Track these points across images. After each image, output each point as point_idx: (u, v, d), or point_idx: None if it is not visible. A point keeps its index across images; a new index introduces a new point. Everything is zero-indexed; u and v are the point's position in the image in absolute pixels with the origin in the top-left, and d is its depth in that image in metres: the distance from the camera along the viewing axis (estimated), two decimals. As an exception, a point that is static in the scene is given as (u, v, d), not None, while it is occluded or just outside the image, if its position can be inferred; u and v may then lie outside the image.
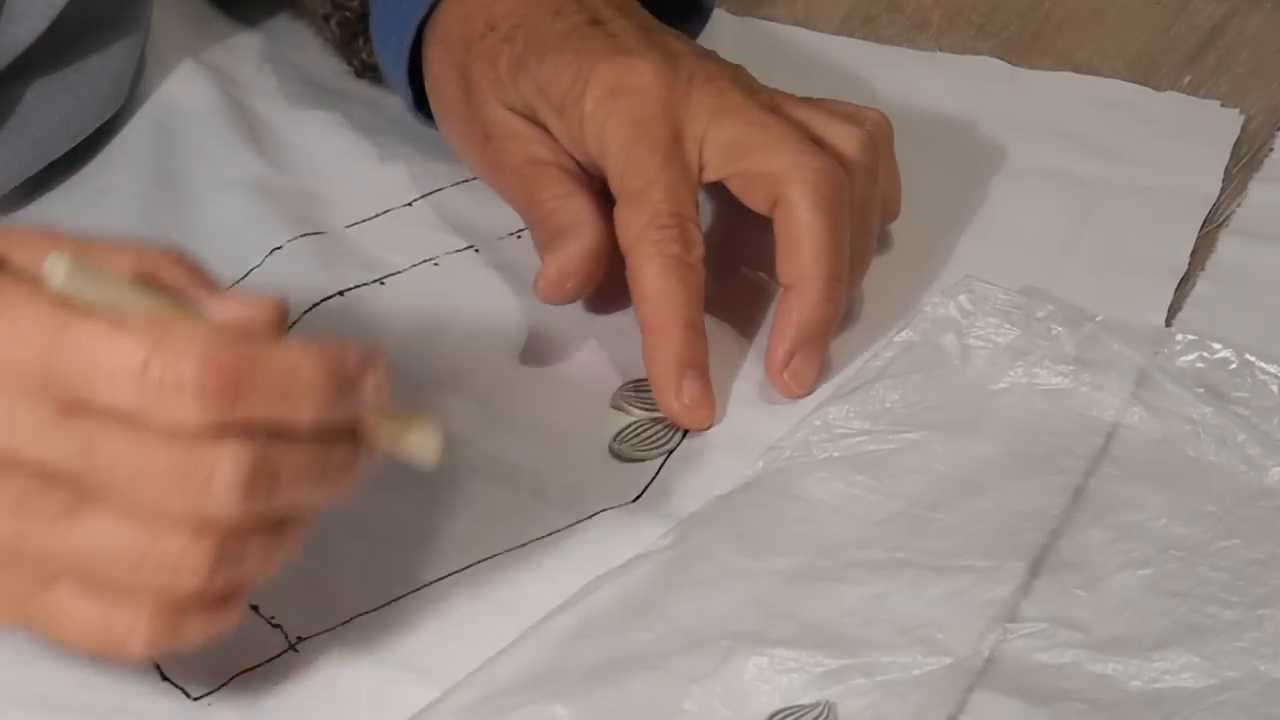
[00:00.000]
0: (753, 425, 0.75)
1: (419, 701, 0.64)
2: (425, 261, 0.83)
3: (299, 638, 0.66)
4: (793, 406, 0.75)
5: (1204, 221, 0.85)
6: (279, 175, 0.86)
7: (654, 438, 0.74)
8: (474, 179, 0.86)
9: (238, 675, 0.64)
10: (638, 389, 0.76)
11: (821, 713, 0.63)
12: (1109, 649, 0.65)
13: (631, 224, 0.74)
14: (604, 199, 0.77)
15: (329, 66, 0.92)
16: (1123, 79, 0.94)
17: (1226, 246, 0.84)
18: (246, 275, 0.81)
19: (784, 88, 0.81)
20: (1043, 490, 0.71)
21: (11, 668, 0.63)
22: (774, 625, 0.66)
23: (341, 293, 0.81)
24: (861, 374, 0.76)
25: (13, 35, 0.80)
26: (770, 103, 0.78)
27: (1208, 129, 0.90)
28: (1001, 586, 0.67)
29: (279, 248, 0.83)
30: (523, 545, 0.70)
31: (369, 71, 0.90)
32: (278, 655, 0.65)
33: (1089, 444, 0.73)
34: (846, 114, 0.79)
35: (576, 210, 0.77)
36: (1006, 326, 0.77)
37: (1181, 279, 0.82)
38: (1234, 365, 0.75)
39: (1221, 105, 0.92)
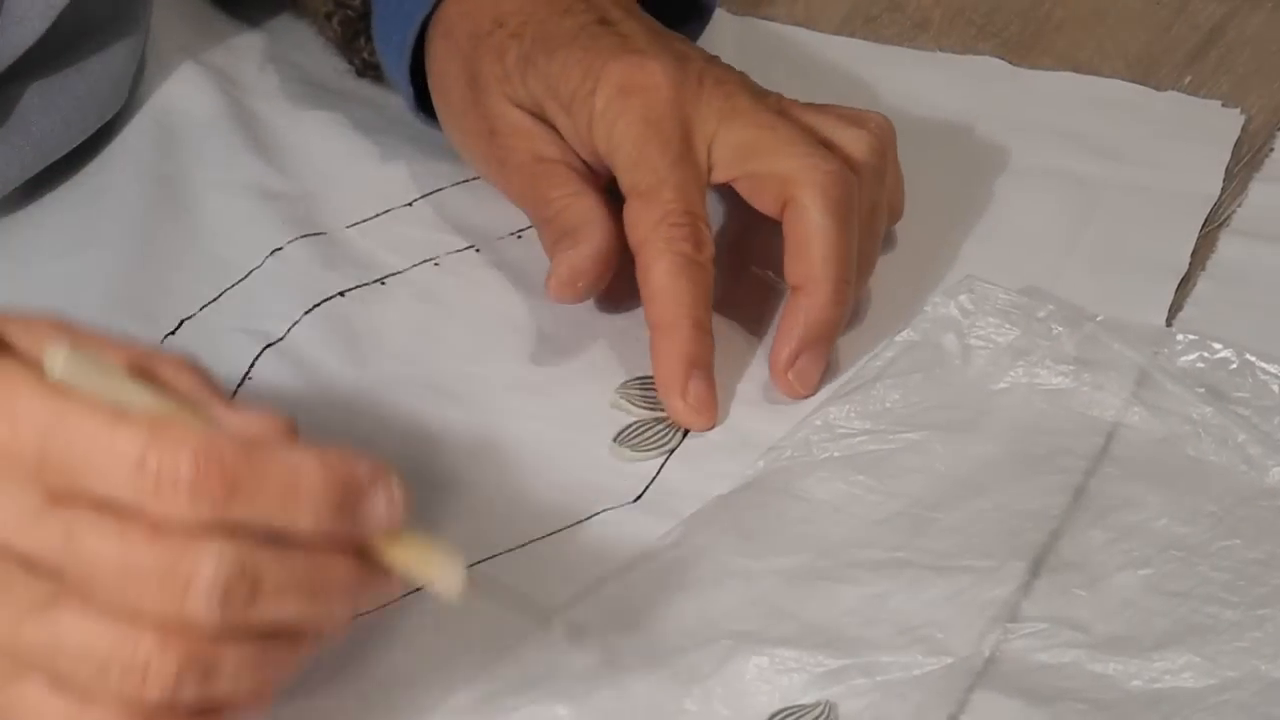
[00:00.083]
0: (754, 425, 0.75)
1: (419, 701, 0.64)
2: (426, 261, 0.83)
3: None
4: (794, 406, 0.75)
5: (1205, 221, 0.85)
6: (279, 176, 0.86)
7: (655, 437, 0.74)
8: (475, 178, 0.86)
9: None
10: (638, 388, 0.76)
11: (822, 713, 0.63)
12: (1109, 649, 0.65)
13: (642, 221, 0.74)
14: (610, 197, 0.77)
15: (329, 66, 0.92)
16: (1123, 79, 0.94)
17: (1227, 246, 0.84)
18: (247, 276, 0.81)
19: (784, 88, 0.81)
20: (1043, 490, 0.71)
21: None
22: (774, 625, 0.66)
23: (342, 293, 0.81)
24: (862, 374, 0.76)
25: (13, 36, 0.80)
26: (778, 106, 0.78)
27: (1208, 129, 0.90)
28: (1002, 586, 0.67)
29: (279, 249, 0.83)
30: (523, 545, 0.70)
31: (370, 71, 0.90)
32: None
33: (1089, 444, 0.73)
34: (851, 118, 0.79)
35: (586, 209, 0.77)
36: (1007, 326, 0.77)
37: (1182, 279, 0.82)
38: (1234, 365, 0.75)
39: (1222, 105, 0.92)
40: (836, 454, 0.73)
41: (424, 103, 0.84)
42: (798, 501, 0.71)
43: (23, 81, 0.83)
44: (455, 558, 0.58)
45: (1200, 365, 0.75)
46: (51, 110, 0.83)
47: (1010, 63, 0.95)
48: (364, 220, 0.85)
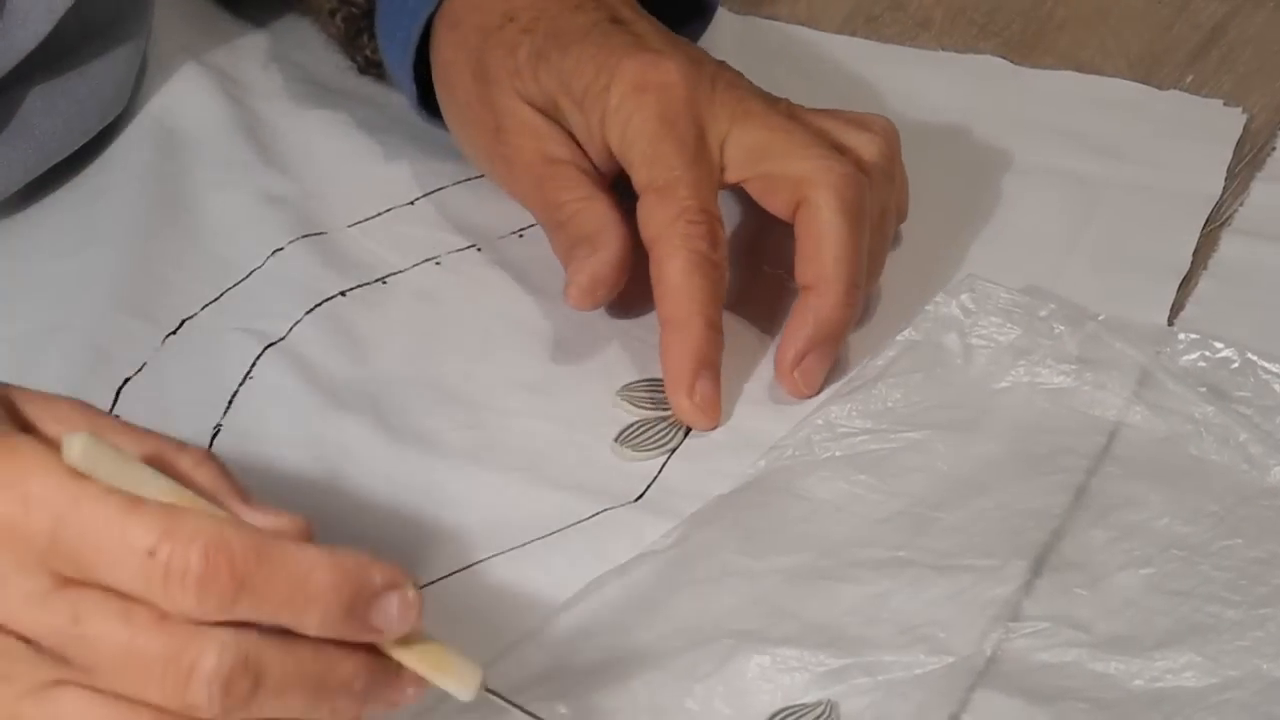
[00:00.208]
0: (755, 424, 0.75)
1: (419, 703, 0.64)
2: (427, 260, 0.83)
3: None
4: (795, 406, 0.75)
5: (1206, 220, 0.85)
6: (280, 175, 0.86)
7: (656, 437, 0.74)
8: (477, 177, 0.86)
9: None
10: (640, 390, 0.76)
11: (823, 712, 0.63)
12: (1111, 648, 0.65)
13: (657, 217, 0.74)
14: (618, 198, 0.78)
15: (331, 65, 0.92)
16: (1125, 78, 0.94)
17: (1229, 246, 0.84)
18: (248, 276, 0.81)
19: (786, 87, 0.81)
20: (1045, 489, 0.71)
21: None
22: (776, 624, 0.66)
23: (343, 293, 0.81)
24: (863, 373, 0.76)
25: (16, 39, 0.80)
26: (788, 110, 0.78)
27: (1210, 128, 0.90)
28: (1003, 586, 0.67)
29: (280, 248, 0.83)
30: (525, 544, 0.70)
31: (372, 68, 0.90)
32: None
33: (1091, 443, 0.73)
34: (858, 121, 0.79)
35: (599, 214, 0.76)
36: (1009, 325, 0.77)
37: (1184, 278, 0.82)
38: (1236, 364, 0.75)
39: (1224, 104, 0.92)
40: (838, 453, 0.73)
41: (427, 101, 0.84)
42: (799, 501, 0.71)
43: (25, 84, 0.83)
44: (471, 665, 0.57)
45: (1202, 364, 0.75)
46: (54, 112, 0.84)
47: (1012, 62, 0.95)
48: (365, 219, 0.85)
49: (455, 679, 0.57)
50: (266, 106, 0.90)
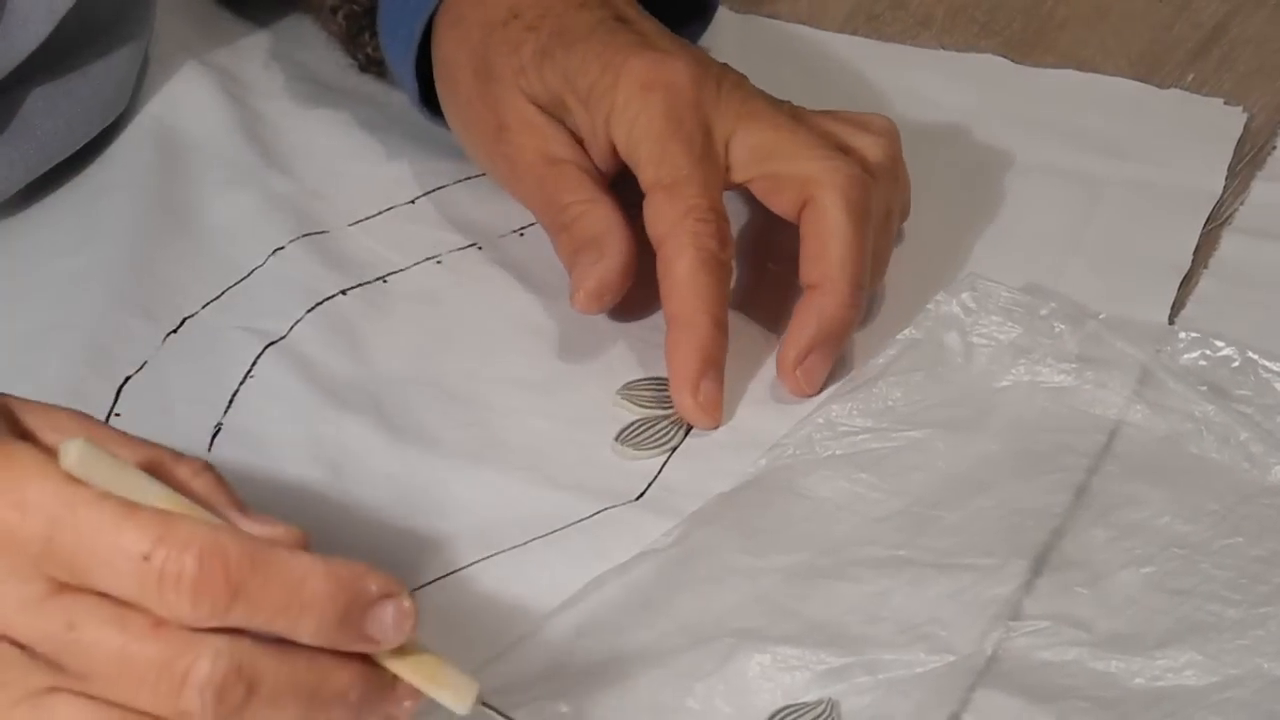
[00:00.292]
0: (755, 423, 0.75)
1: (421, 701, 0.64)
2: (428, 259, 0.83)
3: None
4: (796, 405, 0.75)
5: (1207, 219, 0.85)
6: (282, 174, 0.86)
7: (657, 435, 0.74)
8: (477, 176, 0.86)
9: None
10: (641, 387, 0.76)
11: (824, 710, 0.63)
12: (1112, 647, 0.65)
13: (666, 215, 0.74)
14: (620, 199, 0.78)
15: (332, 64, 0.92)
16: (1126, 77, 0.94)
17: (1229, 244, 0.84)
18: (249, 275, 0.81)
19: (787, 85, 0.81)
20: (1045, 488, 0.71)
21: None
22: (777, 623, 0.66)
23: (344, 291, 0.81)
24: (864, 372, 0.76)
25: (17, 40, 0.80)
26: (792, 112, 0.78)
27: (1211, 127, 0.90)
28: (1004, 584, 0.67)
29: (281, 247, 0.83)
30: (526, 543, 0.70)
31: (372, 66, 0.90)
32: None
33: (1092, 442, 0.73)
34: (860, 122, 0.79)
35: (603, 218, 0.76)
36: (1009, 324, 0.77)
37: (1184, 277, 0.82)
38: (1237, 363, 0.75)
39: (1224, 103, 0.92)
40: (839, 452, 0.73)
41: (428, 98, 0.84)
42: (800, 499, 0.71)
43: (27, 84, 0.83)
44: (466, 678, 0.57)
45: (1202, 363, 0.75)
46: (55, 113, 0.84)
47: (1013, 60, 0.95)
48: (366, 218, 0.85)
49: (450, 692, 0.57)
50: (268, 106, 0.91)
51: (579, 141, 0.79)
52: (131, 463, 0.56)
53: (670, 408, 0.75)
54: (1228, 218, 0.85)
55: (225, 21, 0.96)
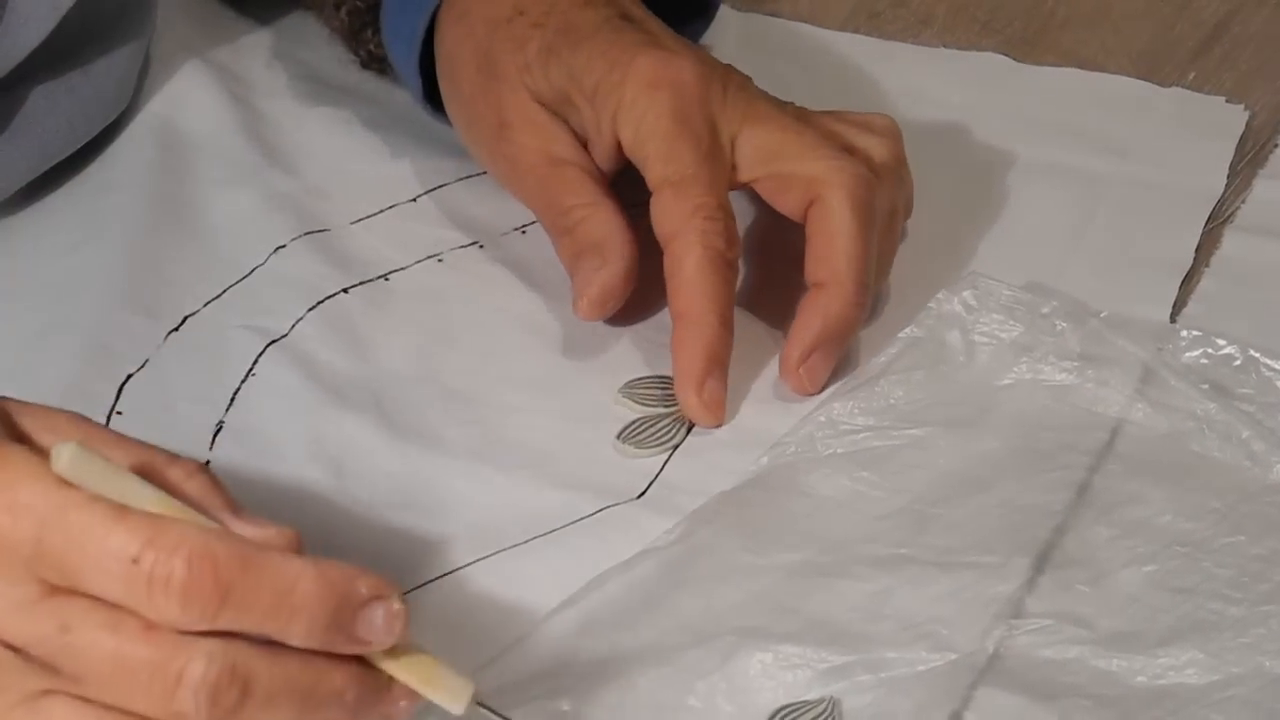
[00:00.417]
0: (757, 421, 0.75)
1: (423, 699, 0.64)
2: (430, 257, 0.83)
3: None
4: (797, 404, 0.75)
5: (1209, 218, 0.85)
6: (283, 173, 0.86)
7: (659, 434, 0.74)
8: (478, 174, 0.86)
9: None
10: (643, 385, 0.76)
11: (826, 709, 0.63)
12: (1114, 645, 0.65)
13: (673, 213, 0.74)
14: (621, 201, 0.78)
15: (334, 62, 0.92)
16: (1127, 75, 0.94)
17: (1231, 243, 0.84)
18: (251, 273, 0.81)
19: (788, 83, 0.81)
20: (1047, 486, 0.71)
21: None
22: (778, 621, 0.66)
23: (345, 290, 0.81)
24: (866, 370, 0.76)
25: (18, 38, 0.80)
26: (797, 112, 0.78)
27: (1212, 125, 0.90)
28: (1006, 583, 0.67)
29: (283, 245, 0.83)
30: (527, 541, 0.70)
31: (374, 63, 0.90)
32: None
33: (1093, 440, 0.73)
34: (862, 122, 0.79)
35: (606, 222, 0.76)
36: (1011, 322, 0.77)
37: (1186, 275, 0.82)
38: (1238, 361, 0.75)
39: (1226, 101, 0.92)
40: (840, 450, 0.73)
41: (431, 95, 0.84)
42: (801, 498, 0.71)
43: (28, 82, 0.83)
44: (461, 678, 0.57)
45: (1204, 361, 0.75)
46: (57, 111, 0.84)
47: (1014, 59, 0.95)
48: (368, 216, 0.85)
49: (446, 692, 0.57)
50: (269, 104, 0.91)
51: (581, 141, 0.79)
52: (125, 465, 0.56)
53: (672, 406, 0.75)
54: (1229, 216, 0.85)
55: (227, 20, 0.96)
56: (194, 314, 0.80)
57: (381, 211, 0.85)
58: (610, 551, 0.69)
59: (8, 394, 0.59)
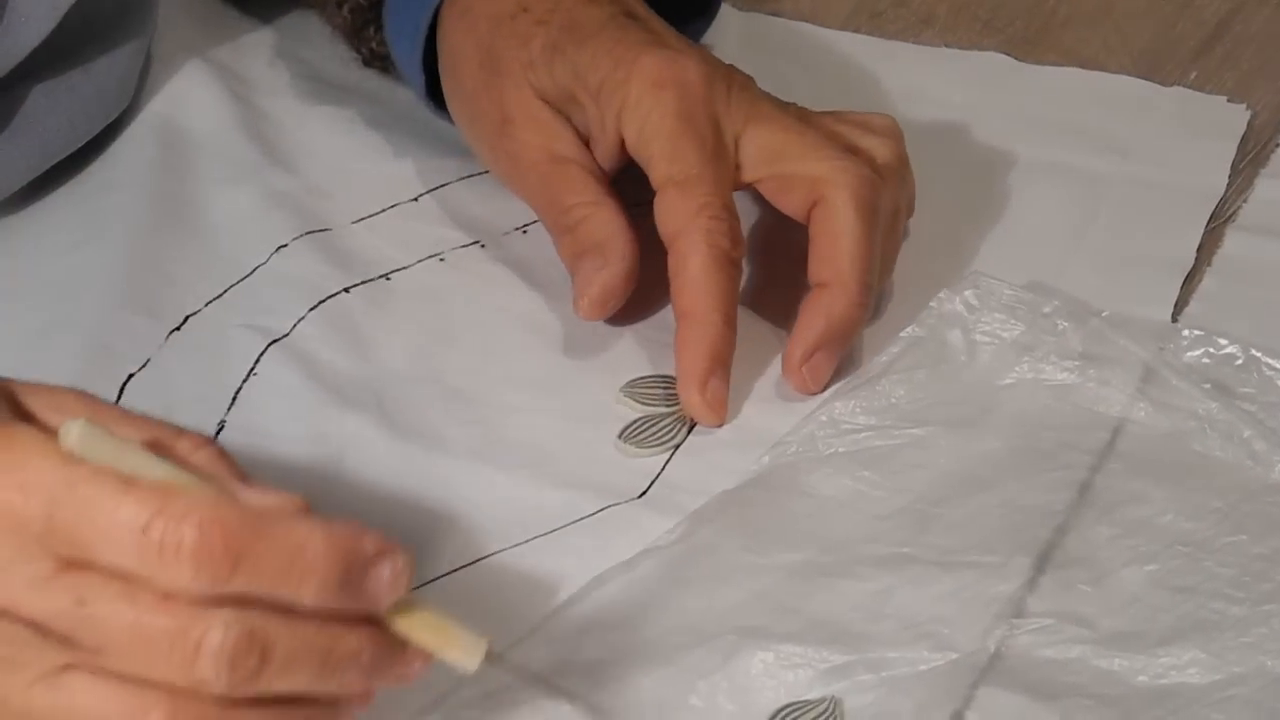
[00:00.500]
0: (759, 421, 0.75)
1: (425, 697, 0.64)
2: (431, 257, 0.83)
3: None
4: (798, 403, 0.75)
5: (1210, 217, 0.85)
6: (285, 172, 0.86)
7: (660, 433, 0.74)
8: (480, 174, 0.86)
9: None
10: (645, 384, 0.76)
11: (827, 708, 0.63)
12: (1115, 644, 0.65)
13: (679, 212, 0.74)
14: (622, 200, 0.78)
15: (336, 61, 0.92)
16: (1129, 74, 0.94)
17: (1233, 242, 0.84)
18: (252, 273, 0.81)
19: (789, 83, 0.81)
20: (1048, 486, 0.71)
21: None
22: (780, 621, 0.66)
23: (347, 289, 0.81)
24: (867, 369, 0.76)
25: (19, 36, 0.80)
26: (799, 113, 0.79)
27: (1214, 124, 0.90)
28: (1007, 582, 0.67)
29: (284, 245, 0.83)
30: (529, 540, 0.70)
31: (376, 61, 0.90)
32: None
33: (1095, 439, 0.73)
34: (864, 123, 0.79)
35: (608, 222, 0.76)
36: (1012, 322, 0.77)
37: (1188, 274, 0.82)
38: (1240, 361, 0.75)
39: (1228, 100, 0.92)
40: (842, 450, 0.73)
41: (434, 92, 0.84)
42: (803, 497, 0.71)
43: (29, 81, 0.83)
44: (475, 636, 0.58)
45: (1206, 361, 0.75)
46: (58, 110, 0.84)
47: (1015, 58, 0.95)
48: (369, 216, 0.85)
49: (460, 650, 0.58)
50: (271, 103, 0.90)
51: (583, 139, 0.79)
52: (133, 440, 0.56)
53: (673, 405, 0.75)
54: (1231, 215, 0.85)
55: (228, 18, 0.96)
56: (195, 313, 0.80)
57: (383, 211, 0.85)
58: (611, 551, 0.69)
59: (10, 390, 0.59)
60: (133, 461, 0.55)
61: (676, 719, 0.63)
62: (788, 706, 0.63)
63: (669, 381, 0.75)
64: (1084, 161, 0.88)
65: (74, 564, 0.54)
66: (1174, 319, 0.79)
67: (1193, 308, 0.80)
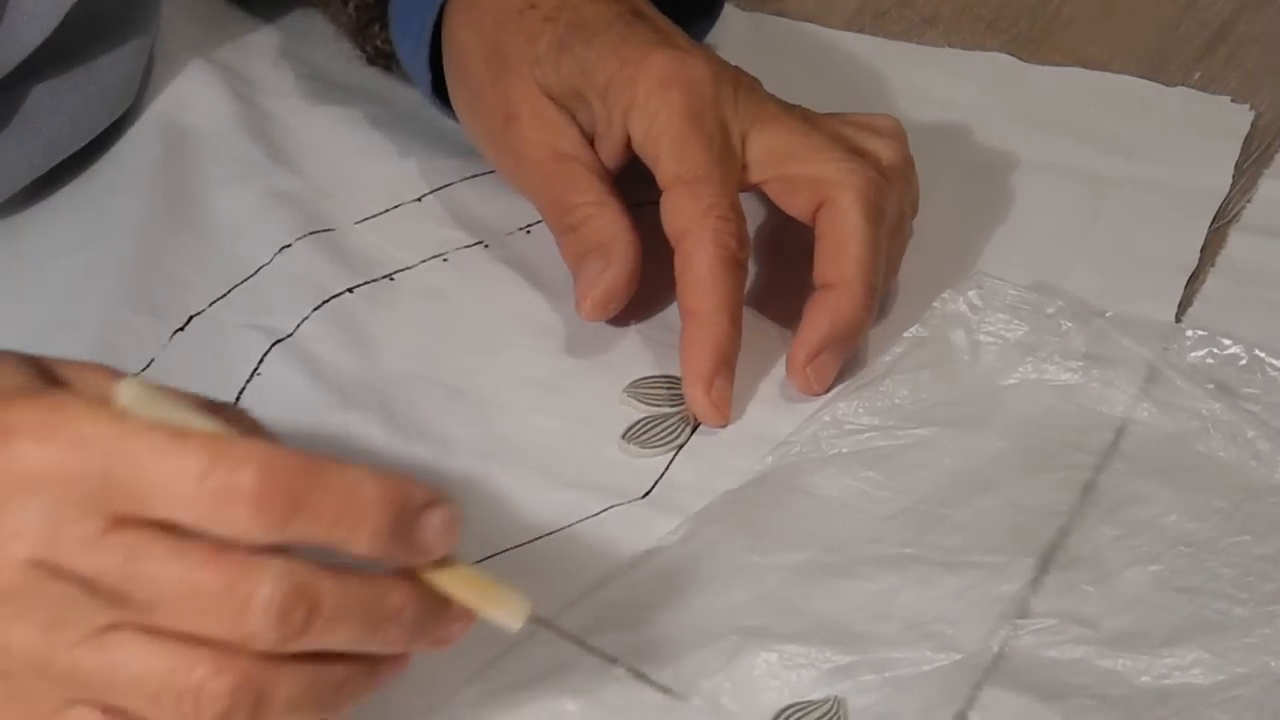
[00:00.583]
0: (762, 421, 0.75)
1: (426, 697, 0.64)
2: (435, 257, 0.83)
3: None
4: (802, 404, 0.75)
5: (1214, 217, 0.85)
6: (288, 172, 0.86)
7: (664, 433, 0.74)
8: (484, 174, 0.86)
9: None
10: (648, 385, 0.76)
11: (830, 708, 0.63)
12: (1119, 645, 0.65)
13: (686, 211, 0.74)
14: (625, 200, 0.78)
15: (339, 61, 0.92)
16: (1132, 75, 0.94)
17: (1236, 242, 0.84)
18: (256, 273, 0.81)
19: (793, 83, 0.81)
20: (1052, 486, 0.71)
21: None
22: (783, 621, 0.66)
23: (351, 289, 0.81)
24: (871, 370, 0.76)
25: (22, 35, 0.80)
26: (805, 115, 0.79)
27: (1218, 125, 0.90)
28: (1011, 582, 0.67)
29: (288, 245, 0.83)
30: (532, 541, 0.70)
31: (381, 59, 0.90)
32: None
33: (1098, 440, 0.73)
34: (870, 125, 0.79)
35: (611, 222, 0.76)
36: (1016, 322, 0.77)
37: (1191, 275, 0.82)
38: (1244, 361, 0.75)
39: (1231, 101, 0.92)
40: (845, 450, 0.73)
41: (439, 90, 0.84)
42: (806, 497, 0.71)
43: (32, 80, 0.83)
44: (519, 595, 0.58)
45: (1209, 361, 0.75)
46: (61, 109, 0.84)
47: (1019, 59, 0.95)
48: (373, 216, 0.85)
49: (504, 609, 0.58)
50: (274, 103, 0.90)
51: (588, 137, 0.79)
52: (184, 399, 0.56)
53: (677, 405, 0.75)
54: (1234, 216, 0.85)
55: (232, 18, 0.96)
56: (199, 313, 0.80)
57: (387, 211, 0.85)
58: (615, 551, 0.69)
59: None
60: (186, 418, 0.55)
61: (679, 719, 0.63)
62: (791, 707, 0.63)
63: (673, 382, 0.75)
64: (1087, 162, 0.88)
65: (124, 521, 0.54)
66: (1178, 319, 0.79)
67: (1196, 308, 0.80)
